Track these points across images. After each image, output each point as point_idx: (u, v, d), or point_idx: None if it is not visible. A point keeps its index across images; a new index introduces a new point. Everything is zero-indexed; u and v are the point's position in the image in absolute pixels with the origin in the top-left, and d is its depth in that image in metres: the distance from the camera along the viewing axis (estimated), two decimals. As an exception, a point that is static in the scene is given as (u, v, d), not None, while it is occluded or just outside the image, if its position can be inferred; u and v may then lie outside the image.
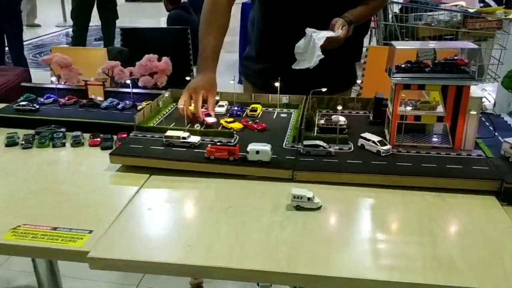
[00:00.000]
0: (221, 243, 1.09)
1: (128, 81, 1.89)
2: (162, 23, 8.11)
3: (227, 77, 1.99)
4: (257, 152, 1.38)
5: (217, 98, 1.74)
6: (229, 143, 1.51)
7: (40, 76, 3.38)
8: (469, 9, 3.93)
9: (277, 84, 1.79)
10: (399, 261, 1.02)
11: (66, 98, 1.93)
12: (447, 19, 3.83)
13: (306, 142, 1.46)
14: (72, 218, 1.20)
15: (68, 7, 6.09)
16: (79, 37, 5.75)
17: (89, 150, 1.61)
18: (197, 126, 1.58)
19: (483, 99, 3.43)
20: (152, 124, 1.68)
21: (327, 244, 1.08)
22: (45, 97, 1.95)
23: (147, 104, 1.80)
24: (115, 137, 1.66)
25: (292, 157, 1.43)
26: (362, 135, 1.48)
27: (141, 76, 1.90)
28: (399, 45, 1.48)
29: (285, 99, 1.85)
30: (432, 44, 1.47)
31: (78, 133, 1.68)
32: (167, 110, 1.82)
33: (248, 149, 1.39)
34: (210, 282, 2.58)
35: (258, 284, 2.07)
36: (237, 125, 1.65)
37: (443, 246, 1.06)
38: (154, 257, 1.05)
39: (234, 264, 1.02)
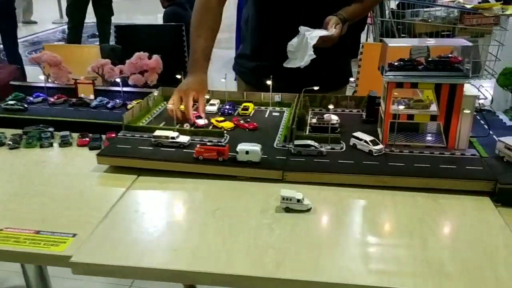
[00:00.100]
0: (208, 247, 1.06)
1: (118, 80, 1.86)
2: (159, 19, 8.06)
3: (224, 74, 1.96)
4: (247, 152, 1.36)
5: (207, 97, 1.71)
6: (219, 143, 1.49)
7: (36, 74, 3.35)
8: (466, 5, 3.89)
9: (269, 82, 1.76)
10: (389, 265, 1.00)
11: (56, 97, 1.90)
12: (444, 15, 3.80)
13: (297, 142, 1.43)
14: (56, 221, 1.17)
15: (65, 4, 6.03)
16: (74, 34, 5.71)
17: (77, 150, 1.58)
18: (186, 126, 1.55)
19: (480, 96, 3.39)
20: (141, 124, 1.65)
21: (316, 248, 1.05)
22: (34, 96, 1.92)
23: (137, 103, 1.77)
24: (104, 136, 1.63)
25: (283, 157, 1.41)
26: (354, 134, 1.46)
27: (132, 74, 1.87)
28: (392, 42, 1.45)
29: (277, 97, 1.83)
30: (425, 42, 1.44)
31: (67, 133, 1.65)
32: (158, 109, 1.79)
33: (237, 149, 1.36)
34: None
35: None
36: (228, 124, 1.62)
37: (434, 249, 1.04)
38: (139, 262, 1.02)
39: (220, 269, 0.99)
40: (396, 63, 1.44)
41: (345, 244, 1.07)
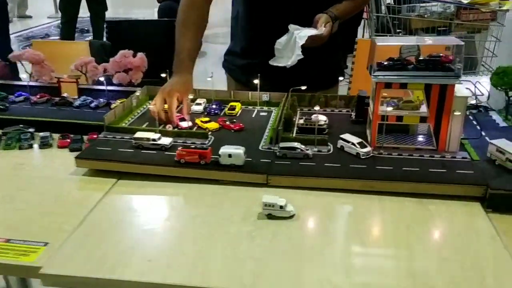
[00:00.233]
0: (184, 257, 1.01)
1: (102, 78, 1.81)
2: (157, 14, 8.01)
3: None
4: (230, 155, 1.31)
5: (191, 96, 1.65)
6: (203, 145, 1.44)
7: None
8: (462, 0, 3.83)
9: (256, 81, 1.71)
10: (373, 278, 0.95)
11: (38, 96, 1.85)
12: (440, 10, 3.74)
13: (282, 145, 1.38)
14: (28, 229, 1.13)
15: (60, -2, 5.96)
16: (67, 29, 5.64)
17: (57, 152, 1.53)
18: (169, 127, 1.50)
19: (477, 92, 3.32)
20: (123, 124, 1.60)
21: (297, 258, 1.01)
22: (16, 94, 1.87)
23: (121, 102, 1.72)
24: (86, 137, 1.58)
25: (268, 160, 1.36)
26: (342, 136, 1.41)
27: (116, 72, 1.81)
28: (381, 40, 1.40)
29: (265, 96, 1.78)
30: (416, 40, 1.39)
31: (47, 133, 1.60)
32: (142, 109, 1.74)
33: (220, 152, 1.32)
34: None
35: None
36: (213, 125, 1.57)
37: (420, 260, 0.99)
38: (111, 274, 0.98)
39: (195, 281, 0.94)
40: (385, 63, 1.39)
41: (328, 254, 1.02)
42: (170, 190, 1.30)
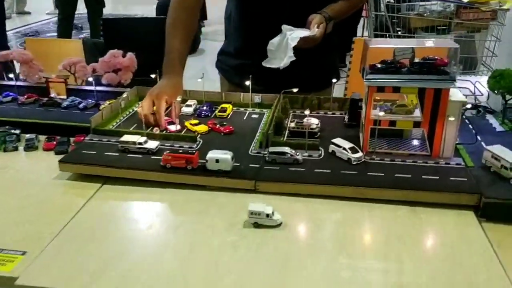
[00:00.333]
0: (163, 271, 0.98)
1: (91, 79, 1.77)
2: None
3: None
4: (217, 160, 1.27)
5: (179, 99, 1.61)
6: (191, 149, 1.40)
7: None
8: (463, -1, 3.79)
9: (248, 82, 1.67)
10: (359, 292, 0.91)
11: (26, 96, 1.81)
12: (440, 9, 3.69)
13: (272, 149, 1.34)
14: (6, 236, 1.09)
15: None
16: (65, 26, 5.60)
17: (42, 155, 1.50)
18: (156, 130, 1.46)
19: (477, 92, 3.27)
20: (111, 127, 1.56)
21: (282, 271, 0.97)
22: (3, 95, 1.83)
23: (109, 103, 1.68)
24: (73, 139, 1.54)
25: (257, 165, 1.32)
26: (333, 140, 1.37)
27: (105, 73, 1.77)
28: (374, 42, 1.36)
29: (257, 98, 1.74)
30: (410, 42, 1.35)
31: (32, 136, 1.56)
32: (131, 110, 1.70)
33: (207, 157, 1.28)
34: None
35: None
36: (202, 128, 1.53)
37: (410, 274, 0.95)
38: (88, 285, 0.94)
39: (174, 294, 0.91)
40: (378, 65, 1.35)
41: (314, 267, 0.98)
42: (155, 196, 1.26)
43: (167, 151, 1.32)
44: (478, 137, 1.44)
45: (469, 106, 1.53)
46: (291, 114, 1.66)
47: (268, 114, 1.64)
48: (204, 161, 1.28)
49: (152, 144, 1.38)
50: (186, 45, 1.71)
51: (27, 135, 1.56)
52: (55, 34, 7.24)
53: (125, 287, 0.93)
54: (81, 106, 1.74)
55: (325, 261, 1.00)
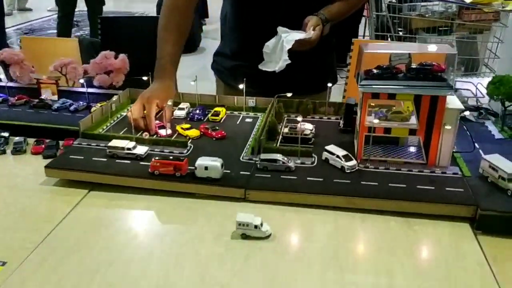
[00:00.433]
0: (147, 283, 0.94)
1: (82, 80, 1.74)
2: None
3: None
4: (206, 168, 1.24)
5: (170, 103, 1.58)
6: (181, 154, 1.37)
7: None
8: (465, 0, 3.74)
9: (241, 86, 1.63)
10: (347, 309, 0.88)
11: (16, 98, 1.78)
12: (442, 10, 3.65)
13: (263, 156, 1.31)
14: (-13, 246, 1.06)
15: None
16: (64, 23, 5.57)
17: (30, 159, 1.47)
18: (145, 135, 1.43)
19: (478, 94, 3.21)
20: (101, 130, 1.53)
21: (269, 285, 0.94)
22: (-6, 96, 1.80)
23: (100, 106, 1.65)
24: (62, 142, 1.51)
25: (247, 172, 1.29)
26: (327, 148, 1.33)
27: (97, 74, 1.74)
28: (369, 47, 1.32)
29: (251, 102, 1.70)
30: (407, 47, 1.31)
31: (21, 139, 1.53)
32: (122, 113, 1.66)
33: (196, 164, 1.24)
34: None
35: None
36: (194, 133, 1.50)
37: (400, 290, 0.92)
38: (67, 299, 0.91)
39: (156, 310, 0.88)
40: (374, 70, 1.31)
41: (302, 282, 0.95)
42: (143, 204, 1.23)
43: (156, 157, 1.28)
44: (476, 145, 1.40)
45: (467, 112, 1.47)
46: (285, 118, 1.62)
47: (262, 119, 1.60)
48: (193, 168, 1.25)
49: (141, 150, 1.35)
50: (178, 49, 1.67)
51: (16, 138, 1.53)
52: (56, 31, 7.22)
53: (105, 302, 0.90)
54: (72, 108, 1.71)
55: (314, 275, 0.97)
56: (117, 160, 1.34)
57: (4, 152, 1.50)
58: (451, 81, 1.25)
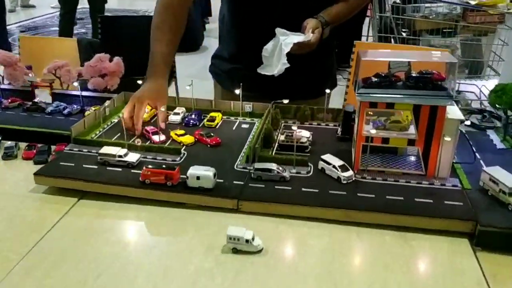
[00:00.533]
0: (133, 299, 0.91)
1: (76, 83, 1.71)
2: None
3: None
4: (198, 177, 1.20)
5: (163, 109, 1.55)
6: (174, 162, 1.34)
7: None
8: (470, 1, 3.69)
9: (237, 91, 1.60)
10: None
11: (9, 100, 1.75)
12: (446, 11, 3.60)
13: (257, 165, 1.27)
14: (-31, 259, 1.03)
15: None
16: (66, 21, 5.54)
17: (21, 164, 1.44)
18: (138, 142, 1.39)
19: (482, 97, 3.15)
20: (93, 135, 1.50)
21: (258, 303, 0.91)
22: (-13, 98, 1.78)
23: (95, 110, 1.62)
24: (54, 147, 1.48)
25: (241, 182, 1.25)
26: (323, 157, 1.30)
27: (91, 77, 1.71)
28: (367, 55, 1.28)
29: (248, 107, 1.67)
30: (407, 55, 1.28)
31: (12, 143, 1.50)
32: (117, 118, 1.63)
33: (187, 173, 1.21)
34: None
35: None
36: (188, 139, 1.47)
37: (394, 312, 0.89)
38: (49, 316, 0.88)
39: (140, 330, 0.84)
40: (373, 78, 1.27)
41: (292, 300, 0.92)
42: (133, 214, 1.20)
43: (148, 165, 1.25)
44: (477, 155, 1.36)
45: (467, 122, 1.43)
46: (282, 124, 1.59)
47: (258, 125, 1.57)
48: (185, 177, 1.22)
49: (133, 157, 1.32)
50: (172, 48, 1.63)
51: (8, 143, 1.50)
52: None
53: (88, 320, 0.87)
54: (65, 112, 1.68)
55: (305, 294, 0.93)
56: (108, 168, 1.31)
57: (-6, 157, 1.47)
58: (452, 90, 1.21)
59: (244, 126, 1.61)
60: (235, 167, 1.33)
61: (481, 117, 1.68)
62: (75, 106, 1.70)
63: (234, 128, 1.59)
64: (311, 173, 1.29)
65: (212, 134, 1.49)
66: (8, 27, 6.14)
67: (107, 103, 1.56)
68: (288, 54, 1.51)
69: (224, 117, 1.66)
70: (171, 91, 3.35)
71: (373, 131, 1.21)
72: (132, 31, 3.43)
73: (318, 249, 1.07)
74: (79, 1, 5.69)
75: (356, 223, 1.14)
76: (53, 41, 3.20)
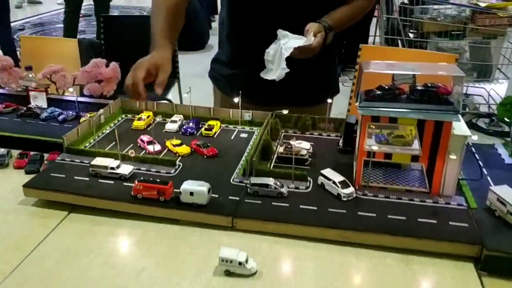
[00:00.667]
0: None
1: (71, 89, 1.66)
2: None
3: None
4: (191, 193, 1.15)
5: (158, 118, 1.49)
6: (168, 174, 1.29)
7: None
8: (479, 3, 3.61)
9: (236, 99, 1.55)
10: None
11: (4, 105, 1.71)
12: (455, 13, 3.53)
13: (254, 180, 1.22)
14: (-49, 277, 0.99)
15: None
16: (71, 19, 5.48)
17: (12, 174, 1.40)
18: (131, 153, 1.35)
19: (490, 101, 3.08)
20: (87, 144, 1.46)
21: (248, 334, 0.86)
22: (-19, 103, 1.74)
23: (90, 116, 1.58)
24: (47, 155, 1.44)
25: (237, 197, 1.20)
26: (323, 172, 1.25)
27: (87, 83, 1.67)
28: (370, 66, 1.23)
29: (247, 116, 1.62)
30: (411, 67, 1.22)
31: (4, 151, 1.46)
32: (112, 125, 1.59)
33: (181, 188, 1.16)
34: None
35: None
36: (184, 150, 1.42)
37: None
38: None
39: None
40: (377, 91, 1.22)
41: (285, 330, 0.87)
42: (124, 230, 1.15)
43: (141, 178, 1.20)
44: (484, 171, 1.31)
45: (475, 137, 1.37)
46: (282, 134, 1.54)
47: (257, 135, 1.52)
48: (179, 191, 1.17)
49: (125, 169, 1.27)
50: (171, 24, 1.52)
51: (1, 150, 1.46)
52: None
53: None
54: (60, 118, 1.64)
55: (299, 324, 0.88)
56: (99, 180, 1.27)
57: (-15, 166, 1.43)
58: (458, 105, 1.15)
59: (243, 135, 1.56)
60: (231, 180, 1.28)
61: (489, 121, 1.62)
62: (70, 112, 1.66)
63: (232, 137, 1.54)
64: (310, 189, 1.24)
65: (209, 144, 1.44)
66: (14, 23, 6.12)
67: (102, 110, 1.51)
68: (289, 59, 1.45)
69: (223, 125, 1.62)
70: (172, 92, 3.33)
71: (375, 147, 1.16)
72: (136, 31, 3.37)
73: (315, 271, 1.02)
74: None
75: (356, 244, 1.09)
76: (53, 41, 3.16)
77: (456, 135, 1.14)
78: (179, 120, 1.60)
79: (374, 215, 1.13)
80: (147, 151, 1.41)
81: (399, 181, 1.26)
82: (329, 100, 1.55)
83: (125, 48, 3.33)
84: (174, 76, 3.27)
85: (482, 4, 3.55)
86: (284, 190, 1.21)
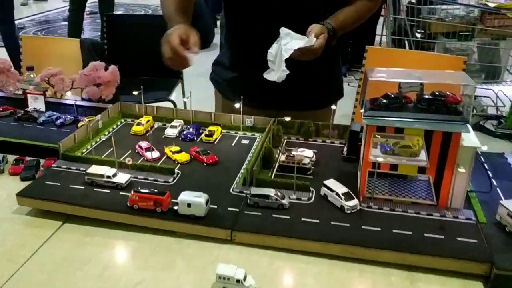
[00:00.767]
0: None
1: (69, 93, 1.63)
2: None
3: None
4: (189, 205, 1.11)
5: (156, 124, 1.45)
6: (166, 183, 1.26)
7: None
8: (488, 4, 3.55)
9: (237, 105, 1.51)
10: None
11: (1, 109, 1.68)
12: (463, 14, 3.47)
13: (254, 191, 1.18)
14: None
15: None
16: (75, 17, 5.45)
17: (7, 180, 1.37)
18: (128, 161, 1.31)
19: (498, 103, 3.03)
20: (84, 150, 1.42)
21: None
22: (-21, 106, 1.70)
23: (88, 121, 1.54)
24: (43, 161, 1.41)
25: (236, 209, 1.16)
26: (326, 183, 1.20)
27: (86, 86, 1.63)
28: (375, 73, 1.18)
29: (249, 121, 1.57)
30: (418, 75, 1.17)
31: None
32: (110, 130, 1.55)
33: (178, 199, 1.13)
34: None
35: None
36: (183, 157, 1.38)
37: None
38: None
39: None
40: (382, 100, 1.17)
41: None
42: (119, 242, 1.12)
43: (137, 188, 1.16)
44: (494, 182, 1.26)
45: (484, 147, 1.32)
46: (285, 140, 1.50)
47: (258, 143, 1.47)
48: (176, 202, 1.13)
49: (122, 178, 1.24)
50: (181, 4, 1.54)
51: (-4, 156, 1.43)
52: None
53: None
54: (58, 122, 1.60)
55: None
56: (95, 189, 1.23)
57: (-20, 172, 1.40)
58: (468, 115, 1.11)
59: (244, 141, 1.52)
60: (231, 190, 1.24)
61: (497, 123, 1.57)
62: (68, 116, 1.62)
63: (233, 144, 1.50)
64: (312, 200, 1.20)
65: (209, 151, 1.40)
66: (20, 21, 6.09)
67: (99, 115, 1.47)
68: (291, 61, 1.40)
69: (224, 131, 1.57)
70: (175, 93, 3.29)
71: (380, 159, 1.11)
72: (139, 31, 3.34)
73: (316, 289, 0.98)
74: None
75: (359, 259, 1.04)
76: (55, 41, 3.14)
77: (465, 147, 1.09)
78: (179, 125, 1.56)
79: (379, 229, 1.08)
80: (145, 158, 1.37)
81: (405, 192, 1.21)
82: (333, 107, 1.50)
83: (127, 49, 3.32)
84: (177, 76, 3.23)
85: (491, 5, 3.49)
86: (285, 201, 1.16)
